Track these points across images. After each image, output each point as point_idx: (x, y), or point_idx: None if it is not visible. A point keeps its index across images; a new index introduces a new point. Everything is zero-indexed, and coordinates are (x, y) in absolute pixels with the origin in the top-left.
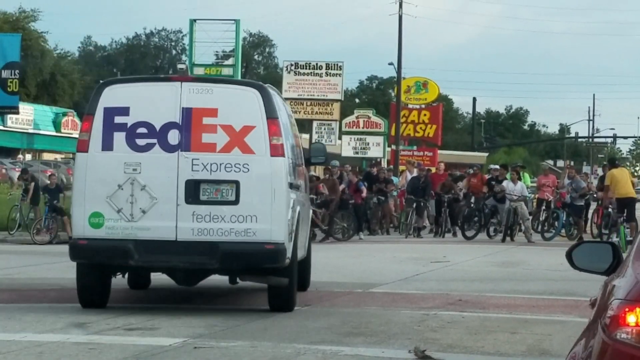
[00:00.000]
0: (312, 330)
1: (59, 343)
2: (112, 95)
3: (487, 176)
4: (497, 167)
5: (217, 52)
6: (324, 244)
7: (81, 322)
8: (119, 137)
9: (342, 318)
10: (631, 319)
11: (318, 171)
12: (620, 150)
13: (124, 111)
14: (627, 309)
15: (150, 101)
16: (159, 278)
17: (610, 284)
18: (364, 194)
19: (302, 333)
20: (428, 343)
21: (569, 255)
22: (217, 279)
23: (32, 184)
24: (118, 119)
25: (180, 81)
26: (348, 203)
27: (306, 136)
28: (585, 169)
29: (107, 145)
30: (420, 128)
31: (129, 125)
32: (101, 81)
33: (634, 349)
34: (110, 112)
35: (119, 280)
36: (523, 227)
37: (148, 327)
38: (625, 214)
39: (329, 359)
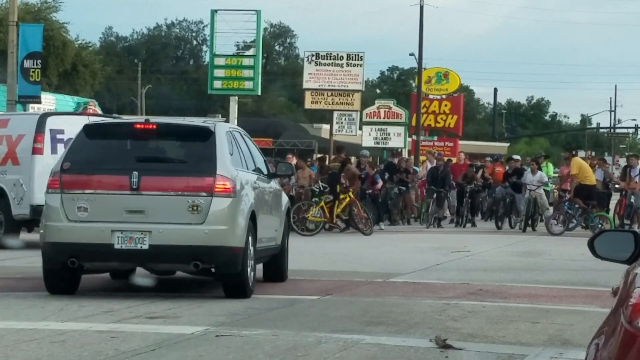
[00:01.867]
0: (333, 319)
1: (81, 331)
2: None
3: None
4: (518, 157)
5: (237, 42)
6: (345, 234)
7: (104, 311)
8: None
9: (363, 307)
10: None
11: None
12: None
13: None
14: None
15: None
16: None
17: (632, 273)
18: (379, 186)
19: (323, 322)
20: (449, 332)
21: (591, 244)
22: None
23: None
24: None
25: None
26: (365, 193)
27: (327, 127)
28: (607, 159)
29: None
30: (441, 118)
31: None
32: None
33: None
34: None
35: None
36: (544, 218)
37: (170, 315)
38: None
39: (350, 348)
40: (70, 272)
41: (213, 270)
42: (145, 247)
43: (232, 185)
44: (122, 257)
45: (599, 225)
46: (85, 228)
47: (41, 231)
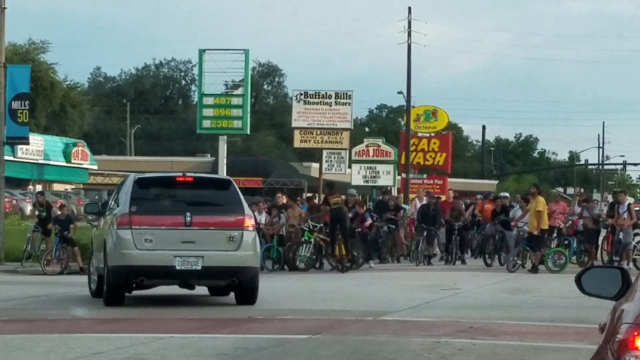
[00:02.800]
0: (322, 357)
1: None
2: None
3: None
4: (507, 195)
5: (226, 81)
6: (335, 273)
7: (93, 352)
8: None
9: (353, 346)
10: None
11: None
12: (630, 177)
13: None
14: (635, 333)
15: None
16: (170, 308)
17: (619, 309)
18: (368, 224)
19: None
20: None
21: (578, 280)
22: (227, 307)
23: (44, 213)
24: None
25: None
26: (355, 232)
27: (316, 165)
28: (596, 196)
29: None
30: (430, 156)
31: None
32: None
33: None
34: None
35: (133, 312)
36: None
37: (160, 356)
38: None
39: None
40: (128, 289)
41: (234, 283)
42: (199, 268)
43: (253, 222)
44: (181, 276)
45: (555, 262)
46: (152, 254)
47: (110, 257)
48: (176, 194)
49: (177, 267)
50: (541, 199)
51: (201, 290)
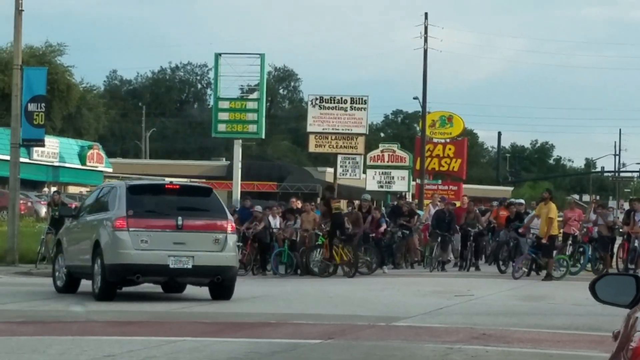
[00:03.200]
0: None
1: None
2: None
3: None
4: (522, 201)
5: (242, 86)
6: (348, 278)
7: (105, 355)
8: None
9: (365, 351)
10: None
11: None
12: None
13: None
14: None
15: None
16: (182, 312)
17: (634, 316)
18: (382, 229)
19: None
20: None
21: (592, 288)
22: (239, 311)
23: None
24: None
25: None
26: (369, 237)
27: (331, 170)
28: (612, 203)
29: None
30: (445, 162)
31: None
32: None
33: None
34: None
35: (145, 315)
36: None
37: (171, 359)
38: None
39: None
40: (122, 285)
41: (218, 281)
42: (190, 266)
43: (233, 226)
44: (175, 273)
45: (559, 267)
46: (148, 254)
47: (107, 256)
48: (166, 200)
49: (171, 266)
50: (553, 206)
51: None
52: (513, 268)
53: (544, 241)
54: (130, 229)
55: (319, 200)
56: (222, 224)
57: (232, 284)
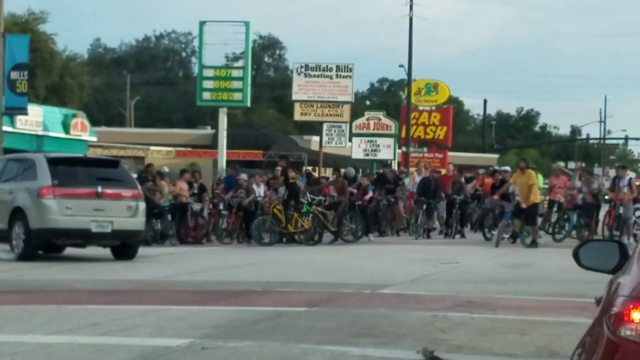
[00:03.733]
0: (320, 330)
1: (67, 344)
2: None
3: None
4: (508, 169)
5: (227, 54)
6: (333, 246)
7: (89, 324)
8: None
9: (351, 319)
10: (636, 315)
11: (328, 172)
12: (632, 152)
13: None
14: (631, 306)
15: None
16: (168, 280)
17: (616, 282)
18: (368, 196)
19: (310, 333)
20: (437, 344)
21: (576, 254)
22: (225, 280)
23: None
24: None
25: None
26: (354, 205)
27: (317, 138)
28: (597, 170)
29: None
30: (431, 130)
31: None
32: None
33: (638, 346)
34: None
35: (130, 284)
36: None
37: (155, 328)
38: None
39: None
40: (45, 248)
41: (129, 243)
42: (109, 230)
43: (142, 194)
44: (97, 237)
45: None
46: (73, 219)
47: (33, 221)
48: (84, 171)
49: (93, 230)
50: (532, 173)
51: (200, 264)
52: (496, 237)
53: (523, 205)
54: (56, 197)
55: (304, 169)
56: (134, 193)
57: (138, 246)
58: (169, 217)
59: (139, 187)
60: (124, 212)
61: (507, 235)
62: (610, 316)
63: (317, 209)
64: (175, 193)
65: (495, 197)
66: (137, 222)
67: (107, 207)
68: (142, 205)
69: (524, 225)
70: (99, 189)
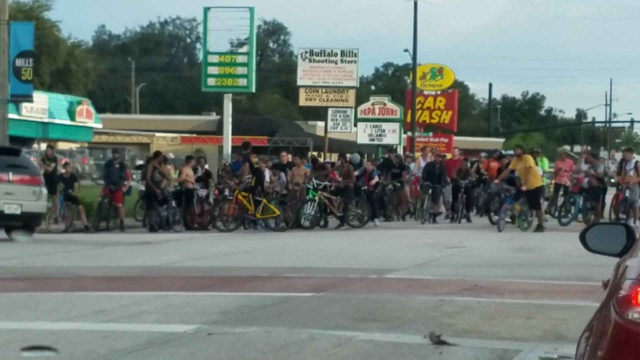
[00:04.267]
0: (326, 315)
1: (73, 331)
2: None
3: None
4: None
5: (231, 40)
6: (339, 231)
7: (95, 310)
8: None
9: (357, 304)
10: None
11: (333, 158)
12: (638, 135)
13: None
14: (639, 289)
15: None
16: (174, 267)
17: (623, 265)
18: (374, 181)
19: (316, 318)
20: (443, 328)
21: (583, 237)
22: (231, 266)
23: (52, 164)
24: None
25: None
26: (360, 190)
27: (322, 124)
28: (603, 154)
29: None
30: (436, 114)
31: None
32: None
33: None
34: None
35: (136, 270)
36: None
37: (162, 314)
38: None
39: (343, 344)
40: None
41: (31, 223)
42: (19, 212)
43: (43, 180)
44: (8, 218)
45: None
46: None
47: None
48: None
49: (6, 212)
50: (530, 157)
51: (206, 250)
52: (498, 222)
53: (523, 188)
54: None
55: (309, 154)
56: (38, 179)
57: (36, 226)
58: (174, 203)
59: (40, 173)
60: (31, 196)
61: (510, 220)
62: (617, 299)
63: (323, 195)
64: (181, 179)
65: (497, 181)
66: (41, 205)
67: (16, 192)
68: (44, 190)
69: (522, 210)
70: (10, 175)
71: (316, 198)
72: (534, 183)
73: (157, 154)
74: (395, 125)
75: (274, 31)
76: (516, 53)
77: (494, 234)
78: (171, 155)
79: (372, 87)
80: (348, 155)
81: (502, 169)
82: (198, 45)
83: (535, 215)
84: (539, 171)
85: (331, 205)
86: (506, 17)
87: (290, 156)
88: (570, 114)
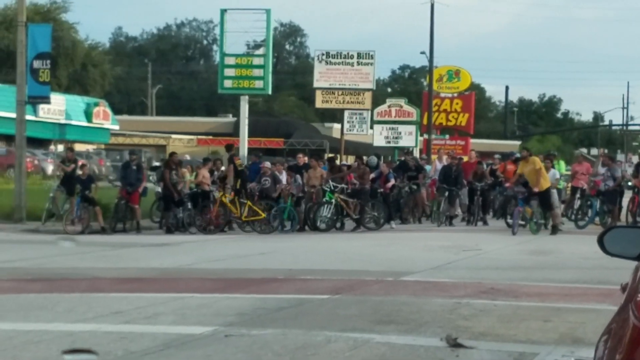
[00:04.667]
0: (343, 317)
1: (90, 332)
2: None
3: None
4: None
5: (248, 42)
6: (356, 233)
7: (112, 312)
8: None
9: (374, 306)
10: None
11: (349, 160)
12: None
13: None
14: None
15: None
16: (190, 268)
17: None
18: (390, 184)
19: (333, 320)
20: (460, 331)
21: (600, 240)
22: (247, 267)
23: (72, 165)
24: None
25: None
26: (377, 192)
27: (338, 126)
28: (620, 156)
29: None
30: (453, 117)
31: None
32: None
33: None
34: None
35: (153, 272)
36: (551, 215)
37: (179, 315)
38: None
39: (359, 347)
40: None
41: None
42: None
43: None
44: None
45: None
46: None
47: None
48: None
49: None
50: (536, 159)
51: (222, 252)
52: (512, 225)
53: (536, 189)
54: None
55: (325, 156)
56: None
57: None
58: (190, 205)
59: None
60: None
61: (523, 223)
62: (636, 303)
63: (340, 197)
64: (198, 181)
65: (508, 184)
66: None
67: None
68: None
69: (533, 212)
70: None
71: (333, 200)
72: (544, 184)
73: (172, 154)
74: (412, 128)
75: (290, 33)
76: (533, 55)
77: (510, 236)
78: (187, 157)
79: (389, 90)
80: (365, 158)
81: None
82: (214, 47)
83: (549, 216)
84: (555, 173)
85: (348, 208)
86: (523, 19)
87: (306, 158)
88: (587, 117)
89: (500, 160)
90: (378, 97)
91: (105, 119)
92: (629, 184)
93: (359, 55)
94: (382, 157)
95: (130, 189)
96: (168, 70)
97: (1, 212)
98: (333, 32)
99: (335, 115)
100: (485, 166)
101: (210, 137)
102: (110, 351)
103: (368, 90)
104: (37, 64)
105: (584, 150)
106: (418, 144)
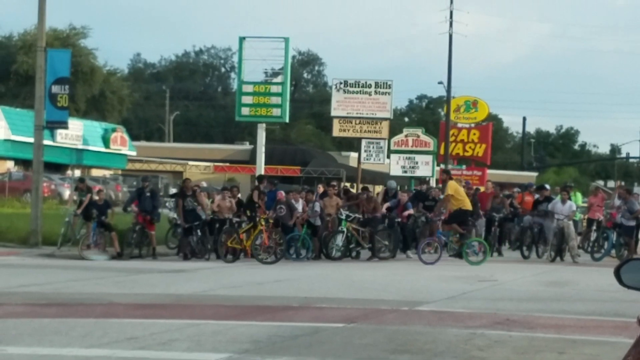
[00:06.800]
0: (357, 346)
1: (105, 357)
2: None
3: (535, 195)
4: (546, 186)
5: (266, 69)
6: (371, 262)
7: (127, 337)
8: None
9: (388, 335)
10: None
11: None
12: None
13: None
14: None
15: None
16: (206, 295)
17: None
18: (407, 213)
19: (347, 349)
20: None
21: (617, 273)
22: (262, 295)
23: (89, 195)
24: None
25: None
26: (394, 221)
27: (355, 155)
28: (637, 189)
29: None
30: (470, 147)
31: None
32: None
33: None
34: None
35: (168, 298)
36: (569, 248)
37: (194, 342)
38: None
39: None
40: None
41: None
42: None
43: None
44: None
45: (475, 252)
46: None
47: None
48: None
49: None
50: (452, 183)
51: (238, 279)
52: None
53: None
54: None
55: (342, 185)
56: None
57: None
58: (207, 231)
59: None
60: None
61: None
62: None
63: (352, 226)
64: (214, 208)
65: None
66: None
67: None
68: None
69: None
70: None
71: (344, 229)
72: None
73: (185, 181)
74: (429, 158)
75: (308, 61)
76: (550, 86)
77: (526, 267)
78: (204, 184)
79: (406, 119)
80: (376, 186)
81: (539, 199)
82: (232, 75)
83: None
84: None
85: (359, 237)
86: (541, 50)
87: (324, 187)
88: (604, 149)
89: (519, 192)
90: (395, 127)
91: (123, 144)
92: None
93: (377, 85)
94: (398, 186)
95: (147, 215)
96: (186, 97)
97: (17, 237)
98: (351, 61)
99: (352, 144)
100: (502, 195)
101: (227, 164)
102: None
103: (385, 119)
104: (55, 89)
105: (601, 183)
106: (435, 174)
